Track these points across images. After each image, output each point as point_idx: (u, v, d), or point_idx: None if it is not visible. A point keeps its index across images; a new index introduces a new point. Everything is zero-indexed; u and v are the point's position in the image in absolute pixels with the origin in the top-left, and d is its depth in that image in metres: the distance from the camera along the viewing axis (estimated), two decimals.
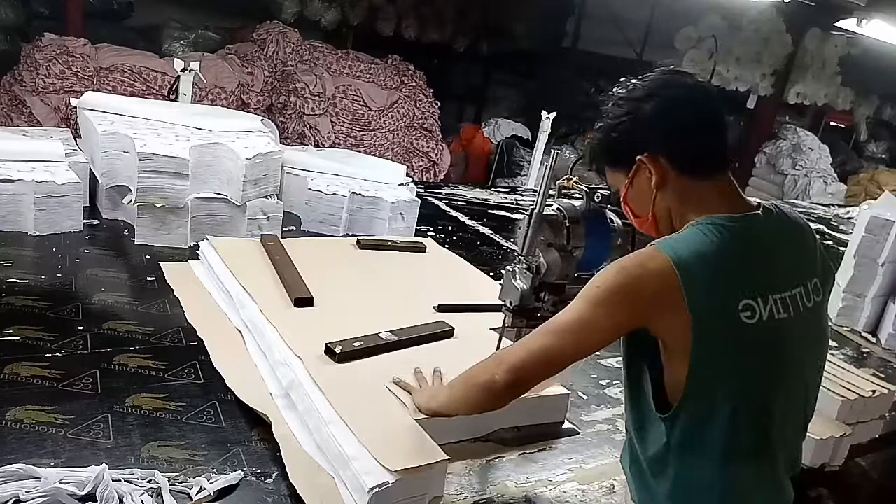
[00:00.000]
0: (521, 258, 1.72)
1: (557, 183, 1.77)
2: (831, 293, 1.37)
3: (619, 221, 1.76)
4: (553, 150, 1.76)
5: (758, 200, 1.32)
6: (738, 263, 1.19)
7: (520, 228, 1.74)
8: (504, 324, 1.80)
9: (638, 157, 1.27)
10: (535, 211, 1.68)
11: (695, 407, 1.19)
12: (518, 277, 1.73)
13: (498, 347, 1.79)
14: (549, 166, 1.67)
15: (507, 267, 1.76)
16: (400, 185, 3.60)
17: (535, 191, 5.65)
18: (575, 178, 1.74)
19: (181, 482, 1.52)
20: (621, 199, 1.36)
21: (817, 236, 1.38)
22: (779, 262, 1.23)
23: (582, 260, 1.72)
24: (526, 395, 1.91)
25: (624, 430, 1.45)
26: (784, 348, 1.22)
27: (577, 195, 1.76)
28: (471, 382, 1.46)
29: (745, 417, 1.20)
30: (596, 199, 1.74)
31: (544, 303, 1.75)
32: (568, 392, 2.11)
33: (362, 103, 6.31)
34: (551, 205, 1.74)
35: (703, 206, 1.25)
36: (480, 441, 1.89)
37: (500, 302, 1.79)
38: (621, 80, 1.35)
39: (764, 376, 1.21)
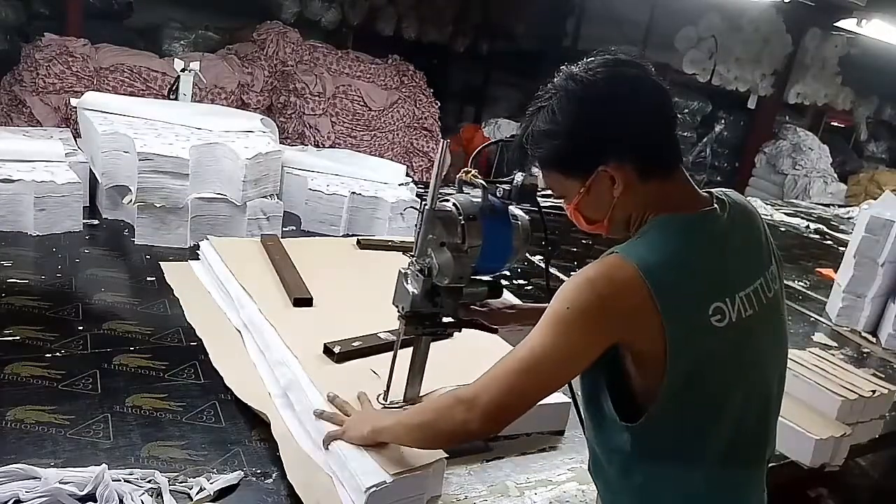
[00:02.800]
0: (414, 259, 1.58)
1: (457, 176, 1.62)
2: (783, 282, 1.31)
3: (525, 217, 1.62)
4: (443, 142, 1.60)
5: (709, 191, 1.27)
6: (704, 265, 1.16)
7: (415, 226, 1.61)
8: (398, 333, 1.66)
9: (601, 167, 1.18)
10: (426, 207, 1.54)
11: (666, 414, 1.15)
12: (409, 280, 1.59)
13: (393, 362, 1.71)
14: (440, 158, 1.53)
15: (399, 269, 1.62)
16: (400, 185, 3.60)
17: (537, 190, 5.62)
18: (473, 171, 1.60)
19: (181, 482, 1.52)
20: (572, 205, 1.26)
21: (762, 216, 1.31)
22: (740, 257, 1.20)
23: (481, 260, 1.55)
24: None
25: None
26: (750, 345, 1.20)
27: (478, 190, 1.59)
28: (435, 428, 1.32)
29: (716, 422, 1.17)
30: (497, 193, 1.57)
31: (441, 308, 1.61)
32: (569, 400, 2.10)
33: (362, 103, 6.31)
34: (447, 200, 1.59)
35: (663, 206, 1.20)
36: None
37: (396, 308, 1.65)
38: (562, 68, 1.26)
39: (733, 376, 1.18)
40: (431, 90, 6.88)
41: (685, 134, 7.99)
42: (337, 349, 1.94)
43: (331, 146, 5.83)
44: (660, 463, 1.18)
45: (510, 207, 1.61)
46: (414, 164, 6.61)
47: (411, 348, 2.07)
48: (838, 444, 2.20)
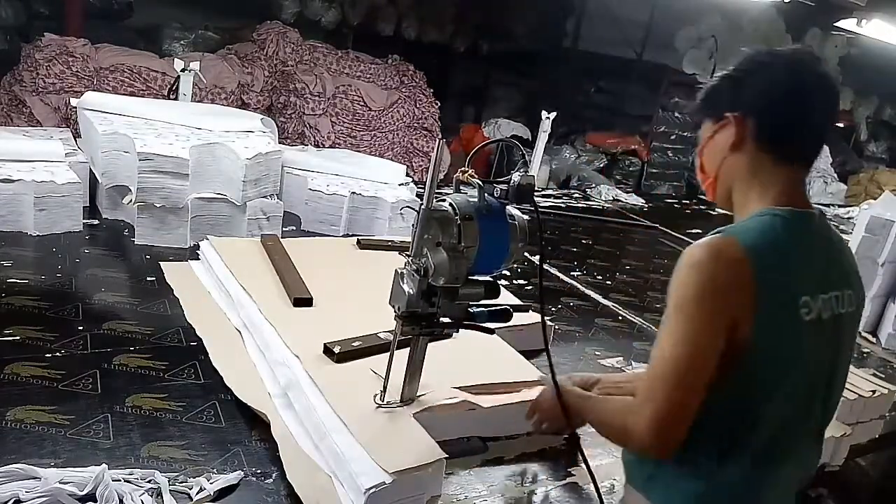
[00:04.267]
0: (410, 259, 1.56)
1: (454, 176, 1.61)
2: (859, 315, 1.30)
3: (523, 217, 1.60)
4: (439, 140, 1.57)
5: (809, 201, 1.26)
6: (802, 258, 1.17)
7: (412, 226, 1.59)
8: (395, 333, 1.65)
9: (728, 112, 1.21)
10: (423, 207, 1.52)
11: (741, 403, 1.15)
12: (406, 280, 1.57)
13: (389, 362, 1.69)
14: (437, 157, 1.50)
15: (396, 269, 1.60)
16: (400, 185, 3.60)
17: (536, 191, 5.63)
18: (470, 171, 1.57)
19: (181, 482, 1.52)
20: (699, 149, 1.29)
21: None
22: (827, 263, 1.21)
23: (477, 261, 1.54)
24: (508, 384, 1.94)
25: None
26: (826, 346, 1.21)
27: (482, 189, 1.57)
28: (618, 424, 1.24)
29: (777, 413, 1.16)
30: (494, 193, 1.55)
31: (438, 308, 1.59)
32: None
33: (362, 103, 6.30)
34: (444, 200, 1.57)
35: (767, 191, 1.19)
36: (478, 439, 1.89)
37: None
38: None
39: (810, 372, 1.19)
40: (431, 90, 6.87)
41: (685, 134, 7.98)
42: (337, 349, 1.94)
43: (331, 146, 5.82)
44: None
45: (507, 208, 1.59)
46: (414, 164, 6.60)
47: (408, 349, 2.08)
48: (838, 444, 2.20)
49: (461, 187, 1.62)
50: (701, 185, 1.33)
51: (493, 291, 1.64)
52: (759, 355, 1.12)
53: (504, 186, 1.54)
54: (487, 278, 1.63)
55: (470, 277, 1.57)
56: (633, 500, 1.30)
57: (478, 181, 1.56)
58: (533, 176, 1.55)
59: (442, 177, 7.02)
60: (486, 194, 1.57)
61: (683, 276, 1.13)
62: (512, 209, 1.60)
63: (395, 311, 1.63)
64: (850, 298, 1.23)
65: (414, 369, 1.74)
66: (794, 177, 1.22)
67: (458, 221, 1.52)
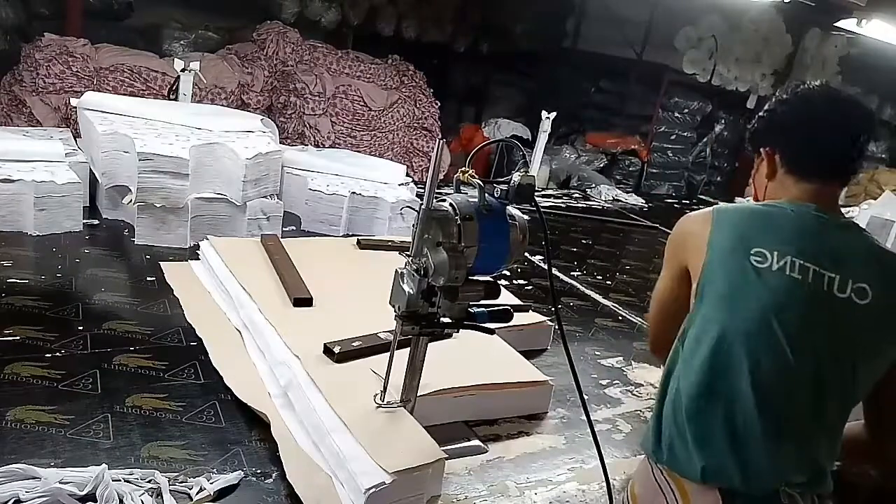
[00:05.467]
0: (410, 259, 1.56)
1: (454, 176, 1.60)
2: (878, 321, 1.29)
3: (523, 218, 1.59)
4: (439, 140, 1.57)
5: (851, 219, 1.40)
6: (769, 223, 1.31)
7: (412, 226, 1.58)
8: (395, 332, 1.64)
9: (762, 147, 1.42)
10: (423, 206, 1.52)
11: (695, 326, 1.31)
12: (406, 280, 1.57)
13: (389, 362, 1.68)
14: (437, 156, 1.50)
15: (396, 269, 1.60)
16: (400, 185, 3.60)
17: (535, 191, 5.63)
18: (471, 171, 1.57)
19: (181, 482, 1.52)
20: (752, 176, 1.49)
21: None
22: (819, 242, 1.30)
23: (478, 261, 1.54)
24: (506, 384, 1.98)
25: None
26: (788, 306, 1.25)
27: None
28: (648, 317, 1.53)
29: (728, 347, 1.26)
30: (495, 194, 1.55)
31: (438, 308, 1.58)
32: (550, 381, 2.11)
33: (362, 103, 6.30)
34: (444, 200, 1.57)
35: (788, 193, 1.37)
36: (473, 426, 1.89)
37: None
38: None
39: (761, 320, 1.25)
40: (431, 90, 6.87)
41: (685, 134, 7.98)
42: (337, 349, 1.94)
43: (331, 146, 5.82)
44: (688, 370, 1.31)
45: (508, 208, 1.59)
46: (414, 164, 6.60)
47: (408, 349, 2.08)
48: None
49: (461, 187, 1.62)
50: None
51: (493, 291, 1.63)
52: (703, 282, 1.30)
53: (504, 187, 1.54)
54: (488, 278, 1.63)
55: (470, 277, 1.57)
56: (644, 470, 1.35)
57: (478, 181, 1.56)
58: (533, 176, 1.54)
59: (442, 177, 7.03)
60: (486, 194, 1.56)
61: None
62: (512, 209, 1.60)
63: (395, 311, 1.63)
64: (861, 291, 1.28)
65: (414, 369, 1.74)
66: (814, 189, 1.35)
67: (458, 221, 1.52)
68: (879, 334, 1.30)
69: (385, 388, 1.74)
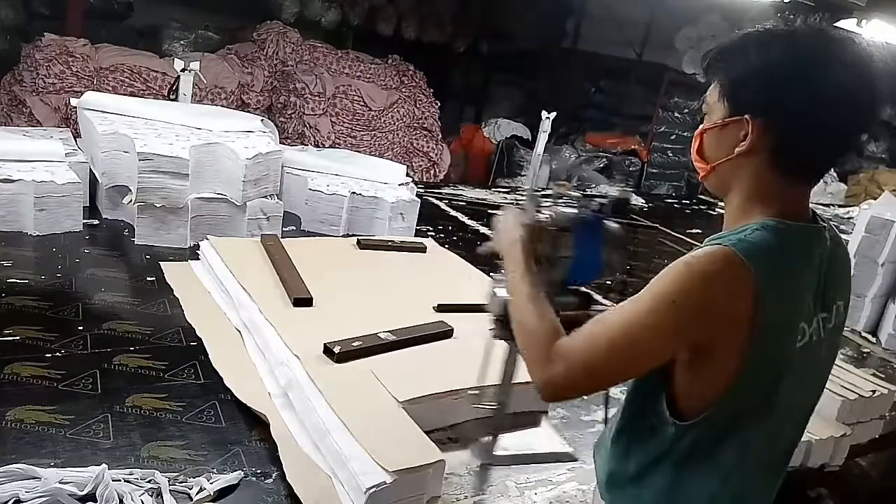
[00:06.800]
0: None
1: (555, 188, 1.65)
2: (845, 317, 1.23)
3: (619, 231, 1.61)
4: (536, 154, 1.61)
5: (812, 210, 1.17)
6: (803, 281, 1.09)
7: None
8: (494, 336, 1.63)
9: (748, 114, 1.07)
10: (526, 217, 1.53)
11: (719, 420, 1.08)
12: (501, 286, 1.57)
13: (507, 372, 1.64)
14: (535, 169, 1.56)
15: (492, 274, 1.62)
16: (400, 185, 3.60)
17: (536, 191, 5.63)
18: (568, 184, 1.64)
19: (181, 482, 1.52)
20: (700, 128, 1.17)
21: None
22: (825, 279, 1.13)
23: (571, 272, 1.56)
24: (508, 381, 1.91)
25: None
26: (813, 366, 1.16)
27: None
28: (530, 350, 1.19)
29: (761, 438, 1.13)
30: (591, 207, 1.58)
31: None
32: None
33: (362, 103, 6.30)
34: (541, 211, 1.60)
35: (771, 203, 1.10)
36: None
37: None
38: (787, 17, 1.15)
39: (791, 395, 1.13)
40: (431, 90, 6.87)
41: (685, 134, 7.98)
42: (337, 349, 1.94)
43: (331, 146, 5.82)
44: (696, 469, 1.13)
45: (604, 221, 1.60)
46: (414, 164, 6.60)
47: (413, 348, 2.09)
48: (838, 443, 2.20)
49: (559, 200, 1.66)
50: (693, 164, 1.20)
51: (586, 302, 1.66)
52: (749, 376, 1.04)
53: (602, 200, 1.57)
54: (582, 289, 1.66)
55: (564, 288, 1.61)
56: None
57: (577, 194, 1.60)
58: (631, 191, 1.55)
59: (441, 177, 7.03)
60: (582, 207, 1.59)
61: (684, 278, 1.04)
62: (609, 223, 1.61)
63: (491, 317, 1.67)
64: (837, 310, 1.17)
65: (507, 375, 1.76)
66: (803, 189, 1.13)
67: (554, 232, 1.54)
68: (837, 347, 1.23)
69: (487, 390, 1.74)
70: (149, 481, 1.49)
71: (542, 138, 5.39)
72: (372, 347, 2.01)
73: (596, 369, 1.09)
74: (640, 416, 1.20)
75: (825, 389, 1.28)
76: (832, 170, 1.16)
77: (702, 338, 1.04)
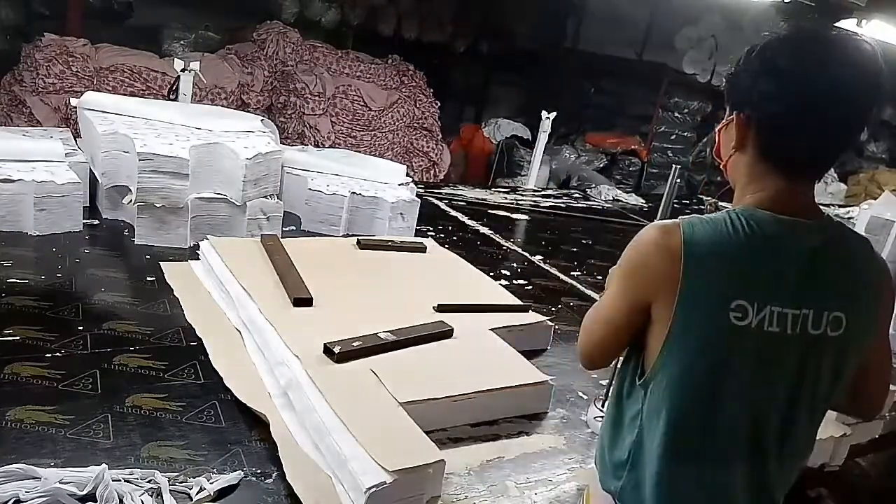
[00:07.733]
0: None
1: (705, 203, 1.73)
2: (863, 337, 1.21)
3: None
4: (674, 167, 1.65)
5: (827, 214, 1.20)
6: (749, 265, 1.13)
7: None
8: None
9: (736, 112, 1.19)
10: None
11: (661, 379, 1.19)
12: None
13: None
14: (672, 182, 1.66)
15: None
16: (400, 185, 3.60)
17: (535, 191, 5.67)
18: (716, 200, 1.66)
19: (181, 482, 1.52)
20: (716, 127, 1.28)
21: (882, 278, 1.21)
22: (806, 280, 1.14)
23: None
24: (506, 385, 1.99)
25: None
26: (778, 360, 1.15)
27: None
28: (587, 328, 1.36)
29: (702, 409, 1.17)
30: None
31: None
32: (549, 381, 2.11)
33: (362, 103, 6.31)
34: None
35: (761, 195, 1.17)
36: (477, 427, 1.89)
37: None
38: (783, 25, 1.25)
39: (745, 378, 1.16)
40: (431, 90, 6.87)
41: (685, 134, 7.98)
42: (337, 349, 1.94)
43: (331, 146, 5.83)
44: (654, 424, 1.20)
45: None
46: (414, 164, 6.61)
47: (413, 348, 2.09)
48: (838, 444, 2.20)
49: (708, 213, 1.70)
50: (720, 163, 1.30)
51: None
52: (676, 343, 1.15)
53: None
54: None
55: None
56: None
57: (718, 207, 1.65)
58: None
59: (441, 177, 7.03)
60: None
61: (627, 249, 1.22)
62: None
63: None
64: (836, 321, 1.15)
65: None
66: (794, 186, 1.16)
67: None
68: (848, 360, 1.21)
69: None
70: (149, 481, 1.49)
71: (542, 138, 5.39)
72: (372, 347, 2.01)
73: (590, 353, 1.33)
74: (625, 383, 1.31)
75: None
76: (832, 169, 1.21)
77: (643, 296, 1.18)
